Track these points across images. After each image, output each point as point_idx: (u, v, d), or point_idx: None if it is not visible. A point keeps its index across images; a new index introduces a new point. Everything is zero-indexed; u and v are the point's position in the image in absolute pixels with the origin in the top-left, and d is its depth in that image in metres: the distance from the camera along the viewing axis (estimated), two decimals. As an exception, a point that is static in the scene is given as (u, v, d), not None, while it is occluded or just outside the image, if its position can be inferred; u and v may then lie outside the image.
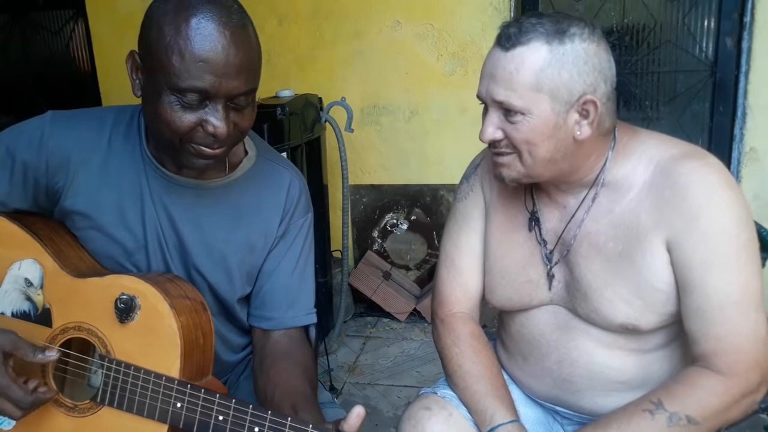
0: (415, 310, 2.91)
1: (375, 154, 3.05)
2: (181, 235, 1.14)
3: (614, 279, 1.11)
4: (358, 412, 0.94)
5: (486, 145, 1.14)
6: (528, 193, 1.22)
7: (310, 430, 0.93)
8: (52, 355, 1.02)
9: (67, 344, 1.08)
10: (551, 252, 1.18)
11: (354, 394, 2.36)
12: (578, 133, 1.06)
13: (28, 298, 1.10)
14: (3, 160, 1.10)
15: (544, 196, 1.19)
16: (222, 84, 0.95)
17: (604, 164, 1.12)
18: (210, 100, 0.97)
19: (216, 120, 0.98)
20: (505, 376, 1.29)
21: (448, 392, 1.26)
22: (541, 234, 1.19)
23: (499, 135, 1.08)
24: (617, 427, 1.07)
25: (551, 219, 1.18)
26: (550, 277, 1.18)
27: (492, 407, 1.17)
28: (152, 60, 0.97)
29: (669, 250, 1.07)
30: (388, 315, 2.94)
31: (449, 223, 1.33)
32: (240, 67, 0.96)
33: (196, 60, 0.93)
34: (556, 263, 1.18)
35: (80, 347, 1.09)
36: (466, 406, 1.21)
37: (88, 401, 1.05)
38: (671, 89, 2.87)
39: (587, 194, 1.14)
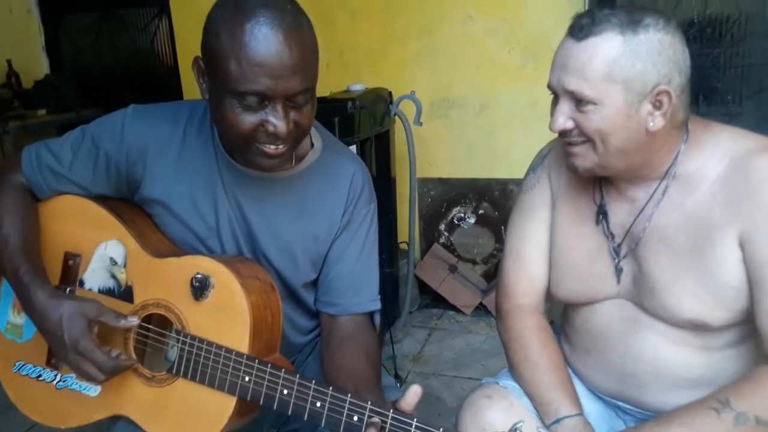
0: (481, 304, 2.91)
1: (443, 148, 3.05)
2: (249, 223, 1.19)
3: (683, 274, 1.08)
4: (415, 391, 0.96)
5: (554, 137, 1.14)
6: (596, 185, 1.20)
7: (368, 406, 0.96)
8: (134, 320, 1.10)
9: (147, 320, 1.16)
10: (619, 246, 1.17)
11: (417, 383, 2.37)
12: (651, 124, 1.04)
13: (113, 276, 1.18)
14: (88, 150, 1.18)
15: (612, 189, 1.18)
16: (278, 85, 0.98)
17: (676, 157, 1.10)
18: (269, 101, 1.00)
19: (276, 120, 1.01)
20: (569, 370, 1.28)
21: (510, 383, 1.26)
22: (608, 227, 1.18)
23: (569, 125, 1.07)
24: (680, 424, 1.05)
25: (619, 212, 1.17)
26: (618, 270, 1.17)
27: (557, 400, 1.17)
28: (213, 65, 1.01)
29: (741, 246, 1.04)
30: (454, 308, 2.94)
31: (514, 215, 1.33)
32: (295, 67, 0.99)
33: (252, 64, 0.97)
34: (624, 257, 1.16)
35: (159, 323, 1.16)
36: (530, 398, 1.21)
37: (164, 372, 1.12)
38: (756, 83, 2.74)
39: (657, 187, 1.12)
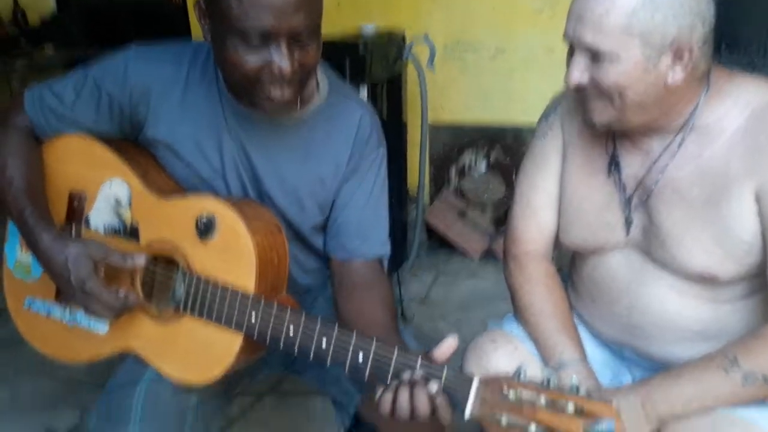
0: (489, 248, 2.91)
1: (456, 92, 3.00)
2: (254, 166, 1.18)
3: (696, 227, 1.07)
4: (450, 343, 0.96)
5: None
6: (609, 136, 1.17)
7: (373, 345, 0.97)
8: (141, 259, 1.10)
9: (153, 259, 1.16)
10: (630, 197, 1.15)
11: (424, 325, 2.42)
12: (670, 78, 1.01)
13: (118, 216, 1.17)
14: (91, 91, 1.16)
15: (625, 140, 1.15)
16: (282, 22, 0.96)
17: (695, 109, 1.06)
18: (273, 40, 0.98)
19: (280, 59, 0.99)
20: (575, 317, 1.28)
21: (514, 328, 1.27)
22: (620, 179, 1.16)
23: (585, 79, 1.04)
24: (688, 381, 1.06)
25: (632, 164, 1.14)
26: (628, 222, 1.15)
27: (561, 344, 1.18)
28: (214, 5, 0.99)
29: (758, 200, 1.01)
30: (462, 252, 2.95)
31: (526, 162, 1.31)
32: (298, 3, 0.96)
33: (253, 1, 0.95)
34: (634, 209, 1.15)
35: (165, 262, 1.16)
36: (535, 343, 1.22)
37: (171, 310, 1.12)
38: (783, 30, 2.64)
39: (674, 139, 1.09)
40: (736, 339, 1.08)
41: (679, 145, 1.08)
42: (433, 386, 0.92)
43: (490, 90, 2.95)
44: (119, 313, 1.10)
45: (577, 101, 1.11)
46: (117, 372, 1.20)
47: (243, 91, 1.08)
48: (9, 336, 1.26)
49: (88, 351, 1.20)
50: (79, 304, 1.10)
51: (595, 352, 1.28)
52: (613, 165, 1.16)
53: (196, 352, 1.10)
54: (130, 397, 1.13)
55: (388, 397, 0.95)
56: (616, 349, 1.27)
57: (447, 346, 0.96)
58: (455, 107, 3.02)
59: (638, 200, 1.14)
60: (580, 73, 1.04)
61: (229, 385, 1.30)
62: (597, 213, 1.19)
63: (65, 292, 1.12)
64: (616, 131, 1.14)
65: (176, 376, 1.12)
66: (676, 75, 1.01)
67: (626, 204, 1.15)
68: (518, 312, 1.28)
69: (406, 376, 0.94)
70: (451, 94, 3.00)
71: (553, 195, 1.26)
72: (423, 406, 0.92)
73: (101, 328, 1.17)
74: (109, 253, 1.09)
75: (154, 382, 1.14)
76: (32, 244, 1.11)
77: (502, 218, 3.03)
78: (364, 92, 2.29)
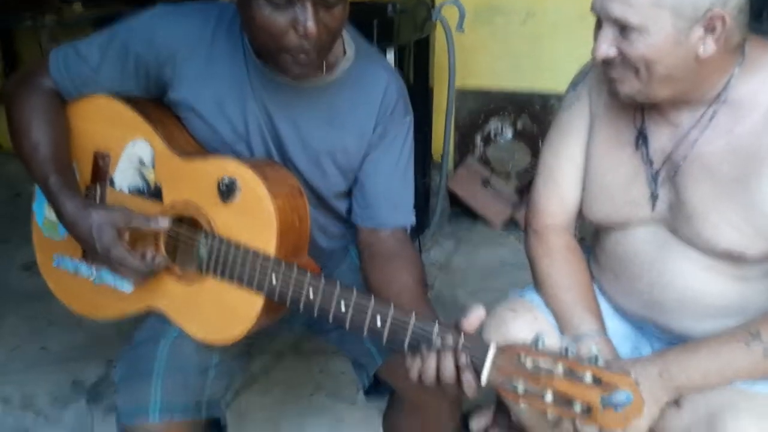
0: (511, 217, 2.89)
1: (485, 57, 2.94)
2: (278, 130, 1.18)
3: (724, 204, 1.05)
4: (479, 314, 0.95)
5: None
6: (637, 108, 1.14)
7: (391, 311, 0.97)
8: (165, 222, 1.11)
9: (178, 218, 1.17)
10: (657, 172, 1.13)
11: (443, 291, 2.42)
12: (702, 50, 0.97)
13: (142, 176, 1.18)
14: (117, 52, 1.16)
15: (654, 113, 1.12)
16: None
17: (728, 81, 1.03)
18: (298, 0, 0.97)
19: (305, 19, 0.98)
20: (596, 289, 1.27)
21: (535, 297, 1.27)
22: (648, 153, 1.13)
23: (613, 52, 1.01)
24: (708, 353, 1.05)
25: (660, 138, 1.12)
26: (654, 197, 1.13)
27: (578, 317, 1.18)
28: None
29: None
30: (484, 221, 2.93)
31: (551, 132, 1.29)
32: None
33: None
34: (661, 184, 1.12)
35: (189, 223, 1.17)
36: (554, 315, 1.22)
37: (194, 270, 1.14)
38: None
39: (705, 113, 1.06)
40: (759, 315, 1.06)
41: (711, 118, 1.05)
42: (462, 357, 0.92)
43: (519, 56, 2.89)
44: (146, 276, 1.13)
45: (604, 72, 1.08)
46: (142, 327, 1.23)
47: (268, 54, 1.07)
48: (43, 288, 1.28)
49: (114, 309, 1.23)
50: (107, 267, 1.14)
51: (615, 324, 1.27)
52: (641, 138, 1.14)
53: (219, 313, 1.12)
54: (153, 351, 1.16)
55: (417, 363, 0.95)
56: (638, 324, 1.26)
57: (475, 317, 0.94)
58: (483, 72, 2.97)
59: (665, 175, 1.12)
60: (607, 47, 1.01)
61: (251, 343, 1.32)
62: (622, 188, 1.17)
63: (93, 256, 1.16)
64: (644, 104, 1.12)
65: (199, 336, 1.14)
66: (708, 47, 0.97)
67: (653, 179, 1.13)
68: (537, 285, 1.27)
69: (438, 342, 0.94)
70: (480, 58, 2.95)
71: (578, 168, 1.24)
72: (449, 374, 0.92)
73: (126, 287, 1.19)
74: (132, 218, 1.10)
75: (177, 338, 1.17)
76: (57, 211, 1.12)
77: (526, 188, 3.01)
78: (390, 55, 2.26)
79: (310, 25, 0.98)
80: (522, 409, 1.26)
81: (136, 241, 1.13)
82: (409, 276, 1.16)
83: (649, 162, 1.13)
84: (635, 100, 1.07)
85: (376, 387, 1.29)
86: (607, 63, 1.04)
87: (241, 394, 1.87)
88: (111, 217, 1.09)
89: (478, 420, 1.63)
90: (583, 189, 1.24)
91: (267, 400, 1.87)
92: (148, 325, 1.22)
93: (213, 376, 1.19)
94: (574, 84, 1.26)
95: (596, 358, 0.85)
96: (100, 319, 1.26)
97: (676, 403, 1.06)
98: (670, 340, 1.21)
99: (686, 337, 1.15)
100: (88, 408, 1.85)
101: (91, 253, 1.14)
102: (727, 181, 1.04)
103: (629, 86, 1.04)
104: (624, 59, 1.01)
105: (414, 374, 0.95)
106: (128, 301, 1.20)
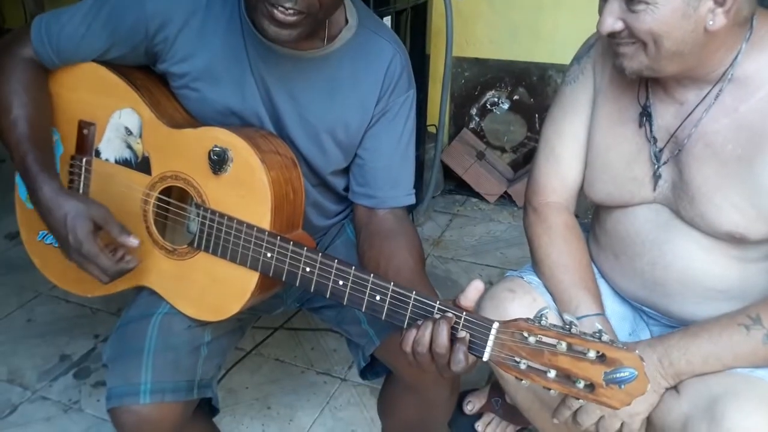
0: (505, 193, 2.86)
1: (483, 25, 2.87)
2: (276, 105, 1.13)
3: (727, 184, 1.02)
4: (476, 287, 0.92)
5: None
6: (642, 85, 1.11)
7: (391, 286, 0.94)
8: (135, 242, 1.04)
9: (167, 191, 1.13)
10: (660, 151, 1.10)
11: (437, 266, 2.41)
12: (711, 22, 0.94)
13: (129, 146, 1.14)
14: (103, 24, 1.10)
15: (659, 90, 1.09)
16: None
17: (735, 58, 1.00)
18: None
19: None
20: (595, 270, 1.25)
21: (533, 278, 1.25)
22: (651, 131, 1.10)
23: (619, 26, 0.98)
24: (708, 338, 1.03)
25: (665, 115, 1.09)
26: (657, 177, 1.11)
27: (577, 298, 1.16)
28: None
29: None
30: (478, 195, 2.91)
31: (554, 108, 1.25)
32: None
33: None
34: (664, 163, 1.10)
35: (179, 195, 1.14)
36: (552, 296, 1.20)
37: (185, 246, 1.10)
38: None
39: (710, 90, 1.03)
40: (760, 299, 1.05)
41: (716, 96, 1.03)
42: (462, 333, 0.89)
43: (518, 25, 2.83)
44: (115, 277, 1.05)
45: (610, 47, 1.05)
46: (132, 304, 1.19)
47: (249, 8, 1.01)
48: (28, 258, 1.24)
49: (102, 286, 1.18)
50: (75, 262, 1.05)
51: (614, 306, 1.26)
52: (645, 116, 1.11)
53: (212, 289, 1.09)
54: (144, 330, 1.12)
55: (412, 333, 0.92)
56: (637, 306, 1.24)
57: (474, 290, 0.91)
58: (480, 41, 2.90)
59: (669, 154, 1.09)
60: (613, 20, 0.98)
61: (244, 320, 1.29)
62: (624, 165, 1.14)
63: (62, 248, 1.07)
64: (650, 80, 1.09)
65: (192, 313, 1.11)
66: (717, 20, 0.94)
67: (656, 158, 1.11)
68: (535, 264, 1.25)
69: (437, 315, 0.91)
70: (477, 27, 2.88)
71: (580, 144, 1.21)
72: (443, 344, 0.89)
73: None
74: (109, 220, 1.04)
75: (167, 314, 1.13)
76: (32, 194, 1.06)
77: (520, 162, 2.97)
78: (388, 21, 2.20)
79: None
80: (517, 391, 1.26)
81: (124, 216, 1.09)
82: (407, 254, 1.13)
83: (652, 139, 1.11)
84: (642, 75, 1.04)
85: (371, 367, 1.26)
86: (612, 37, 1.01)
87: (231, 372, 1.85)
88: (89, 210, 1.03)
89: (472, 402, 1.62)
90: (585, 166, 1.21)
91: (257, 378, 1.85)
92: (138, 302, 1.18)
93: (205, 354, 1.16)
94: (578, 57, 1.23)
95: (600, 334, 0.83)
96: (88, 296, 1.22)
97: (676, 389, 1.05)
98: (669, 324, 1.19)
99: (685, 321, 1.14)
100: (75, 382, 1.82)
101: (62, 245, 1.06)
102: (730, 160, 1.02)
103: (637, 61, 1.01)
104: (630, 33, 0.98)
105: (408, 344, 0.92)
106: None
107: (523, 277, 1.25)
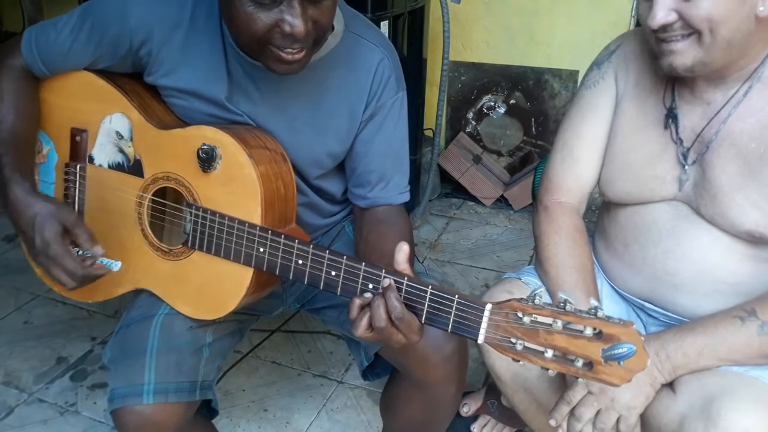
0: (502, 196, 2.87)
1: (480, 29, 2.89)
2: (264, 118, 1.13)
3: (750, 183, 1.03)
4: (401, 248, 0.93)
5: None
6: (668, 87, 1.12)
7: (383, 274, 0.94)
8: (99, 250, 1.03)
9: (162, 192, 1.13)
10: (688, 151, 1.10)
11: (433, 269, 2.41)
12: (762, 8, 0.95)
13: (121, 150, 1.14)
14: (89, 36, 1.10)
15: (686, 91, 1.10)
16: None
17: (766, 56, 1.01)
18: None
19: (292, 17, 0.91)
20: (597, 270, 1.26)
21: (531, 279, 1.25)
22: (677, 132, 1.11)
23: (672, 17, 0.97)
24: (703, 331, 1.05)
25: (691, 116, 1.10)
26: (682, 177, 1.11)
27: (578, 300, 1.15)
28: None
29: None
30: (474, 199, 2.91)
31: (572, 111, 1.27)
32: None
33: None
34: (693, 163, 1.10)
35: (175, 196, 1.14)
36: (551, 295, 1.20)
37: (180, 246, 1.10)
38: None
39: (739, 89, 1.04)
40: (757, 295, 1.06)
41: (745, 94, 1.04)
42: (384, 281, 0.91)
43: (515, 29, 2.84)
44: (82, 281, 1.04)
45: (654, 44, 1.04)
46: (132, 306, 1.19)
47: (252, 52, 1.01)
48: (25, 260, 1.23)
49: (103, 290, 1.19)
50: (41, 266, 1.04)
51: (612, 306, 1.26)
52: (671, 118, 1.12)
53: (208, 288, 1.09)
54: (146, 330, 1.12)
55: (366, 311, 0.93)
56: (637, 303, 1.25)
57: (400, 252, 0.93)
58: (477, 45, 2.91)
59: (696, 154, 1.10)
60: (666, 11, 0.97)
61: (245, 322, 1.29)
62: (646, 165, 1.15)
63: (29, 251, 1.06)
64: (677, 82, 1.09)
65: (190, 313, 1.11)
66: (767, 6, 0.95)
67: (683, 158, 1.11)
68: (539, 263, 1.25)
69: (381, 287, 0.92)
70: (474, 31, 2.89)
71: (599, 146, 1.22)
72: (398, 311, 0.89)
73: (114, 266, 1.14)
74: (77, 225, 1.03)
75: (168, 315, 1.13)
76: (4, 195, 1.05)
77: (517, 166, 2.98)
78: (385, 26, 2.21)
79: (298, 24, 0.92)
80: (514, 393, 1.26)
81: (118, 219, 1.09)
82: (396, 238, 1.12)
83: (679, 141, 1.11)
84: (693, 72, 1.03)
85: (372, 367, 1.27)
86: (663, 32, 1.00)
87: (228, 374, 1.85)
88: (59, 212, 1.03)
89: (468, 404, 1.62)
90: (604, 167, 1.22)
91: (254, 380, 1.85)
92: (138, 304, 1.18)
93: (207, 355, 1.16)
94: (598, 63, 1.24)
95: (596, 310, 0.80)
96: (89, 302, 1.22)
97: (672, 389, 1.05)
98: (669, 323, 1.20)
99: (689, 315, 1.14)
100: (72, 385, 1.82)
101: (29, 247, 1.05)
102: (754, 160, 1.03)
103: (690, 56, 1.00)
104: (684, 24, 0.97)
105: (363, 324, 0.92)
106: (116, 282, 1.17)
107: (520, 279, 1.25)
